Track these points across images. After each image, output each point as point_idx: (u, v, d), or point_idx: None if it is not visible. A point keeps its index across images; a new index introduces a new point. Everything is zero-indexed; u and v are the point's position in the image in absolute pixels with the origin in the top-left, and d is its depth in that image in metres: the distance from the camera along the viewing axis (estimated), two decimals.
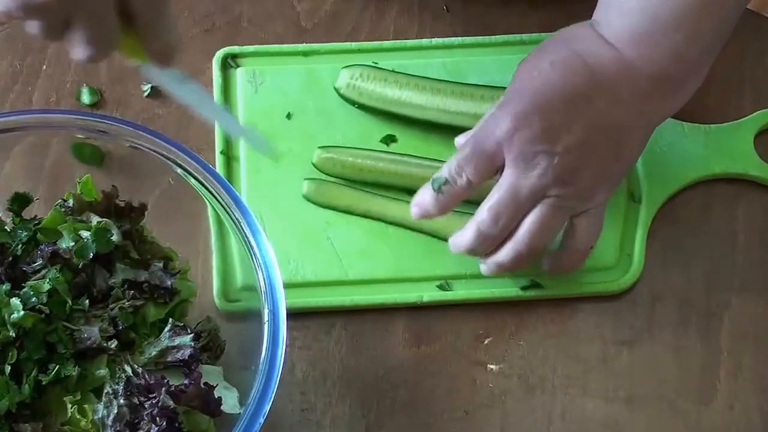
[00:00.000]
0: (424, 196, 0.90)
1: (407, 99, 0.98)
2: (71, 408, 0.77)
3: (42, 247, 0.82)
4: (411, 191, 0.96)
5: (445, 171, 0.89)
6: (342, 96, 0.99)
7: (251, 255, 0.82)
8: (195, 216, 0.89)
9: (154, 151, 0.85)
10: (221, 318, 0.88)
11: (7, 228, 0.84)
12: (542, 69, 0.88)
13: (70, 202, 0.85)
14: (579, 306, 0.94)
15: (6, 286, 0.79)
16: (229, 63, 1.02)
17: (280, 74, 1.02)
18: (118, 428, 0.76)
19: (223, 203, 0.84)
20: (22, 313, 0.77)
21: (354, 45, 1.03)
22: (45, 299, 0.78)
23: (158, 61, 0.83)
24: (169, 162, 0.85)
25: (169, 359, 0.80)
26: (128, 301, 0.81)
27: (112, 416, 0.76)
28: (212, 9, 1.05)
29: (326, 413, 0.89)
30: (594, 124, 0.87)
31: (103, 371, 0.78)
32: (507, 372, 0.91)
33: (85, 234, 0.82)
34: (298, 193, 0.96)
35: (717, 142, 1.00)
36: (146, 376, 0.77)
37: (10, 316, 0.77)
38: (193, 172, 0.84)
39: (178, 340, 0.80)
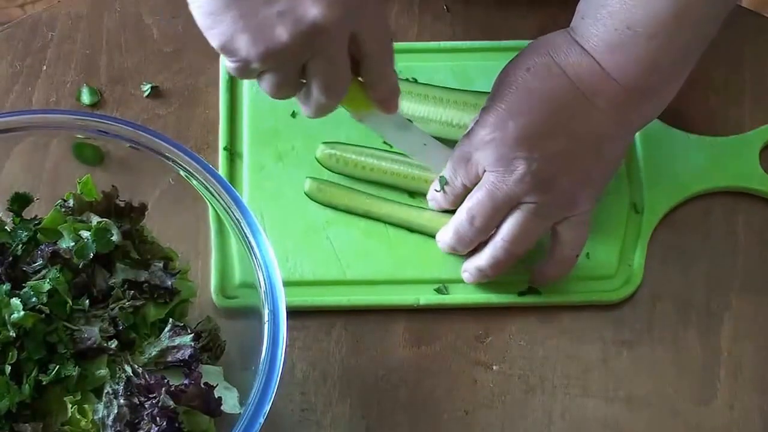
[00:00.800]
0: (435, 194, 0.93)
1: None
2: (71, 408, 0.77)
3: (42, 247, 0.82)
4: (412, 192, 0.97)
5: (446, 172, 0.92)
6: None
7: (251, 255, 0.82)
8: (195, 216, 0.89)
9: (155, 151, 0.85)
10: (220, 315, 0.89)
11: (8, 228, 0.84)
12: (520, 75, 0.88)
13: (71, 202, 0.85)
14: (579, 306, 0.94)
15: (6, 286, 0.79)
16: None
17: None
18: (118, 428, 0.76)
19: (223, 203, 0.84)
20: (22, 313, 0.77)
21: None
22: (45, 299, 0.78)
23: (384, 107, 0.86)
24: (170, 162, 0.85)
25: (170, 359, 0.80)
26: (128, 301, 0.81)
27: (112, 416, 0.76)
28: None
29: (326, 413, 0.89)
30: (572, 131, 0.87)
31: (103, 371, 0.78)
32: (507, 372, 0.91)
33: (85, 234, 0.82)
34: (299, 191, 0.96)
35: (722, 156, 0.99)
36: (146, 376, 0.77)
37: (10, 316, 0.77)
38: (194, 173, 0.84)
39: (178, 340, 0.80)
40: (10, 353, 0.77)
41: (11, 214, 0.86)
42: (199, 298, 0.87)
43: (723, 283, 0.95)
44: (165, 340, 0.80)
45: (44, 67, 1.02)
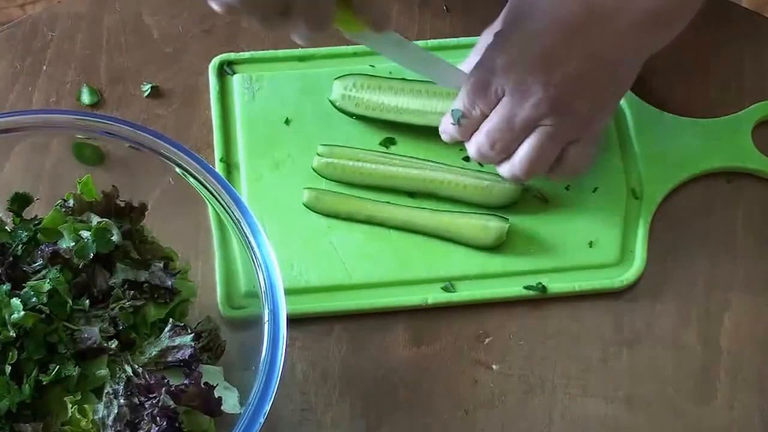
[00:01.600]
0: (448, 126, 0.94)
1: (404, 105, 0.98)
2: (72, 408, 0.77)
3: (42, 247, 0.82)
4: (412, 193, 0.97)
5: (459, 104, 0.92)
6: (338, 108, 0.99)
7: (251, 255, 0.82)
8: (195, 216, 0.89)
9: (154, 151, 0.85)
10: (225, 325, 0.88)
11: (8, 228, 0.84)
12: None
13: (71, 203, 0.85)
14: (579, 306, 0.94)
15: (6, 287, 0.79)
16: (225, 70, 1.02)
17: (277, 80, 1.02)
18: (118, 428, 0.76)
19: (223, 203, 0.84)
20: (22, 313, 0.77)
21: (350, 48, 1.03)
22: (45, 299, 0.78)
23: (375, 29, 0.85)
24: (169, 162, 0.85)
25: (170, 359, 0.80)
26: (128, 301, 0.81)
27: (112, 416, 0.76)
28: (212, 9, 1.04)
29: (326, 413, 0.89)
30: (590, 54, 0.88)
31: (103, 371, 0.78)
32: (507, 372, 0.91)
33: (85, 234, 0.82)
34: (298, 198, 0.96)
35: (715, 136, 1.00)
36: (146, 376, 0.77)
37: (10, 317, 0.77)
38: (193, 172, 0.84)
39: (178, 340, 0.80)
40: (11, 353, 0.77)
41: (11, 214, 0.86)
42: (199, 298, 0.87)
43: (723, 283, 0.95)
44: (165, 340, 0.80)
45: (44, 67, 1.02)
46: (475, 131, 0.93)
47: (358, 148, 0.98)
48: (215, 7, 0.82)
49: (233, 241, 0.87)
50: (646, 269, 0.95)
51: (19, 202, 0.86)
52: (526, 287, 0.94)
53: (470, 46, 1.02)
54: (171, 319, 0.81)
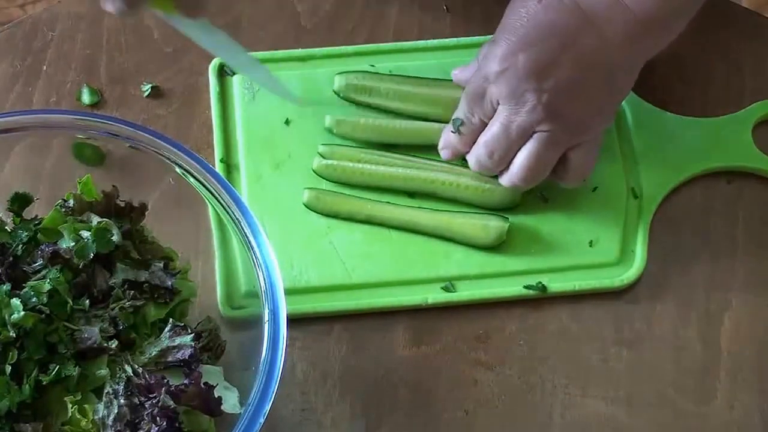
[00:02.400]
0: (449, 138, 0.95)
1: (409, 92, 0.99)
2: (72, 408, 0.77)
3: (42, 247, 0.82)
4: (412, 193, 0.97)
5: (459, 113, 0.93)
6: (344, 98, 1.00)
7: (251, 255, 0.82)
8: (195, 216, 0.89)
9: (155, 151, 0.85)
10: (225, 325, 0.88)
11: (8, 228, 0.84)
12: (531, 7, 0.89)
13: (71, 203, 0.85)
14: (579, 306, 0.94)
15: (6, 287, 0.79)
16: (225, 71, 1.02)
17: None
18: (118, 428, 0.76)
19: (223, 203, 0.84)
20: (22, 313, 0.77)
21: (351, 48, 1.03)
22: (45, 299, 0.78)
23: (187, 13, 0.86)
24: (170, 162, 0.85)
25: (170, 359, 0.80)
26: (128, 301, 0.81)
27: (112, 416, 0.76)
28: (212, 9, 1.05)
29: (326, 413, 0.89)
30: (582, 61, 0.88)
31: (103, 371, 0.78)
32: (507, 372, 0.91)
33: (85, 234, 0.82)
34: (298, 198, 0.96)
35: (715, 135, 1.00)
36: (146, 376, 0.77)
37: (10, 317, 0.77)
38: (194, 172, 0.84)
39: (178, 340, 0.80)
40: (11, 353, 0.77)
41: (11, 214, 0.86)
42: (199, 298, 0.87)
43: (723, 283, 0.95)
44: (165, 340, 0.80)
45: (44, 67, 1.02)
46: (473, 139, 0.93)
47: (359, 148, 0.98)
48: None
49: (233, 241, 0.87)
50: (646, 269, 0.95)
51: (19, 202, 0.86)
52: (526, 287, 0.94)
53: (470, 46, 1.03)
54: (171, 319, 0.81)
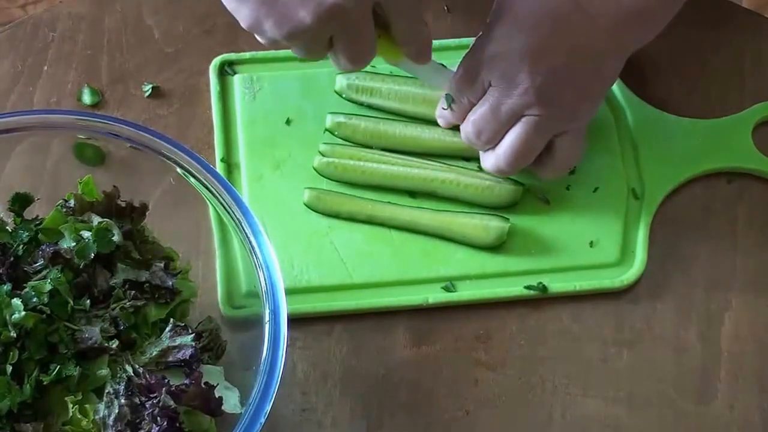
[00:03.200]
0: (443, 111, 0.96)
1: (407, 91, 0.99)
2: (72, 408, 0.77)
3: (43, 247, 0.82)
4: (413, 193, 0.97)
5: (450, 90, 0.94)
6: (345, 99, 1.00)
7: (252, 255, 0.82)
8: (196, 216, 0.89)
9: (155, 151, 0.85)
10: (226, 325, 0.88)
11: (9, 228, 0.84)
12: None
13: (72, 203, 0.85)
14: (579, 306, 0.94)
15: (7, 287, 0.79)
16: (226, 70, 1.02)
17: (278, 80, 1.02)
18: (119, 428, 0.76)
19: (224, 203, 0.84)
20: (23, 313, 0.77)
21: None
22: (46, 299, 0.78)
23: (417, 61, 0.90)
24: (170, 162, 0.85)
25: (170, 359, 0.80)
26: (129, 301, 0.81)
27: (113, 416, 0.76)
28: (212, 9, 1.05)
29: (327, 413, 0.89)
30: (575, 47, 0.89)
31: (104, 371, 0.78)
32: (507, 372, 0.91)
33: (86, 234, 0.82)
34: (299, 198, 0.96)
35: (715, 137, 1.00)
36: (147, 376, 0.77)
37: (11, 317, 0.77)
38: (194, 173, 0.85)
39: (179, 340, 0.80)
40: (12, 353, 0.77)
41: (12, 214, 0.86)
42: (200, 298, 0.87)
43: (723, 283, 0.95)
44: (166, 340, 0.80)
45: (45, 68, 1.02)
46: (465, 114, 0.94)
47: (360, 147, 0.98)
48: (261, 40, 0.85)
49: (234, 241, 0.87)
50: (646, 269, 0.95)
51: (20, 202, 0.86)
52: (527, 287, 0.94)
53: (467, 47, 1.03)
54: (172, 319, 0.82)
